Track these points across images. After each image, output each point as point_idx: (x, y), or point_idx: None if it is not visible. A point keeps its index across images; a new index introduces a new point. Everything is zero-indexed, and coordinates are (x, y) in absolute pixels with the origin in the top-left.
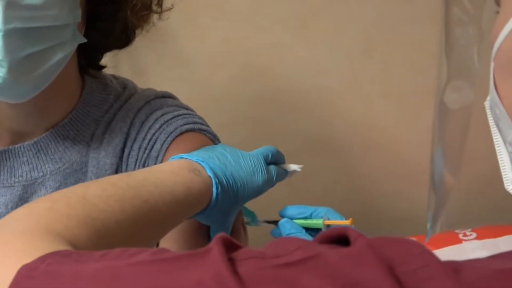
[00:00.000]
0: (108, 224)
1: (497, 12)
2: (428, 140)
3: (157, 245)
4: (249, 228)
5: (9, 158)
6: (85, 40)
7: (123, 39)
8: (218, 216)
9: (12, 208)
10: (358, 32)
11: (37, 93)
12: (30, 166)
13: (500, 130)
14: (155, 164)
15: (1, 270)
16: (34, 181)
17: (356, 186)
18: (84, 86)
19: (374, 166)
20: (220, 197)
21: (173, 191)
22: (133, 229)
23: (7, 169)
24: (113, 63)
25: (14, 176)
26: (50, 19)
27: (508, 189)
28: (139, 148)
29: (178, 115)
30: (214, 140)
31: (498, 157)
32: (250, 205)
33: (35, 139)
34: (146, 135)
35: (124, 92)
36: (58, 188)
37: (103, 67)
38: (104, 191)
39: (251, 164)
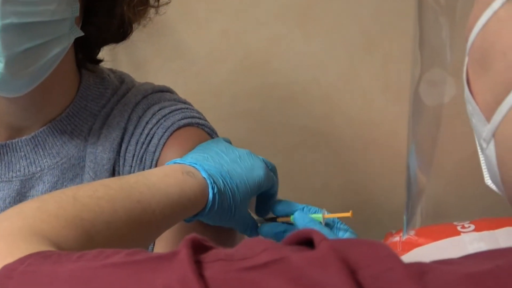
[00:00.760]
0: (98, 225)
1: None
2: None
3: (153, 244)
4: None
5: (7, 153)
6: (82, 34)
7: (120, 34)
8: (222, 215)
9: (10, 203)
10: (357, 26)
11: (33, 87)
12: (28, 160)
13: (474, 127)
14: (152, 159)
15: None
16: (32, 175)
17: (355, 180)
18: (81, 80)
19: (373, 160)
20: (217, 198)
21: (166, 192)
22: (125, 231)
23: (5, 163)
24: (111, 57)
25: (12, 171)
26: (48, 14)
27: (488, 184)
28: (137, 143)
29: (176, 110)
30: (212, 134)
31: (479, 152)
32: None
33: (33, 134)
34: (143, 129)
35: (121, 86)
36: (56, 183)
37: (101, 61)
38: (95, 192)
39: (248, 160)
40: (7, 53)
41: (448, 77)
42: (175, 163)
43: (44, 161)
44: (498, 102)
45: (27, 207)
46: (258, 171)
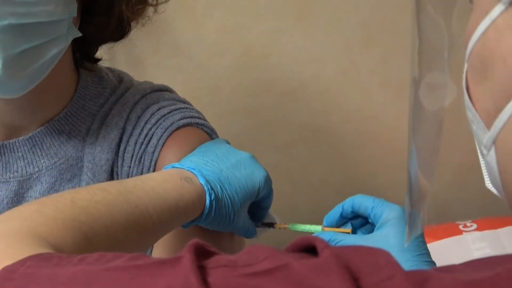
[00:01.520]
0: (96, 228)
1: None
2: None
3: (152, 249)
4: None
5: (4, 153)
6: (80, 35)
7: (119, 33)
8: (220, 221)
9: (8, 204)
10: (356, 21)
11: (31, 88)
12: (26, 161)
13: (474, 133)
14: (151, 159)
15: None
16: (30, 176)
17: (354, 176)
18: (79, 79)
19: (372, 156)
20: (214, 205)
21: (164, 197)
22: (122, 234)
23: (2, 164)
24: (109, 55)
25: (10, 172)
26: (46, 15)
27: (488, 187)
28: (135, 143)
29: (175, 109)
30: (211, 134)
31: (479, 157)
32: None
33: (30, 134)
34: (142, 130)
35: (120, 86)
36: (54, 184)
37: (99, 59)
38: (94, 196)
39: (249, 164)
40: (4, 54)
41: (448, 79)
42: (173, 167)
43: (42, 161)
44: (498, 109)
45: (26, 209)
46: (258, 177)
